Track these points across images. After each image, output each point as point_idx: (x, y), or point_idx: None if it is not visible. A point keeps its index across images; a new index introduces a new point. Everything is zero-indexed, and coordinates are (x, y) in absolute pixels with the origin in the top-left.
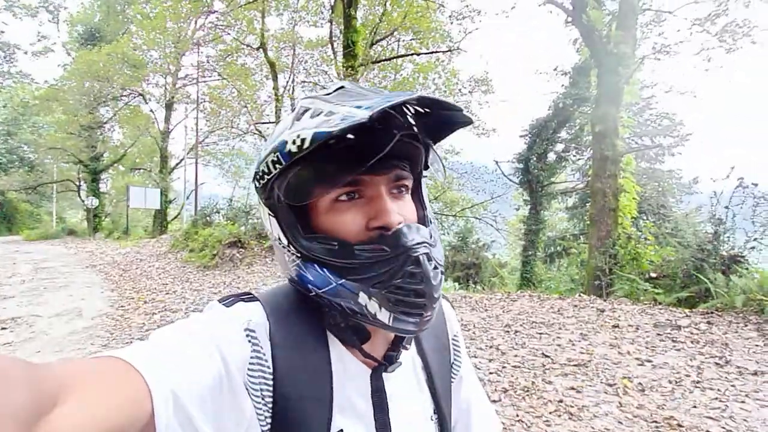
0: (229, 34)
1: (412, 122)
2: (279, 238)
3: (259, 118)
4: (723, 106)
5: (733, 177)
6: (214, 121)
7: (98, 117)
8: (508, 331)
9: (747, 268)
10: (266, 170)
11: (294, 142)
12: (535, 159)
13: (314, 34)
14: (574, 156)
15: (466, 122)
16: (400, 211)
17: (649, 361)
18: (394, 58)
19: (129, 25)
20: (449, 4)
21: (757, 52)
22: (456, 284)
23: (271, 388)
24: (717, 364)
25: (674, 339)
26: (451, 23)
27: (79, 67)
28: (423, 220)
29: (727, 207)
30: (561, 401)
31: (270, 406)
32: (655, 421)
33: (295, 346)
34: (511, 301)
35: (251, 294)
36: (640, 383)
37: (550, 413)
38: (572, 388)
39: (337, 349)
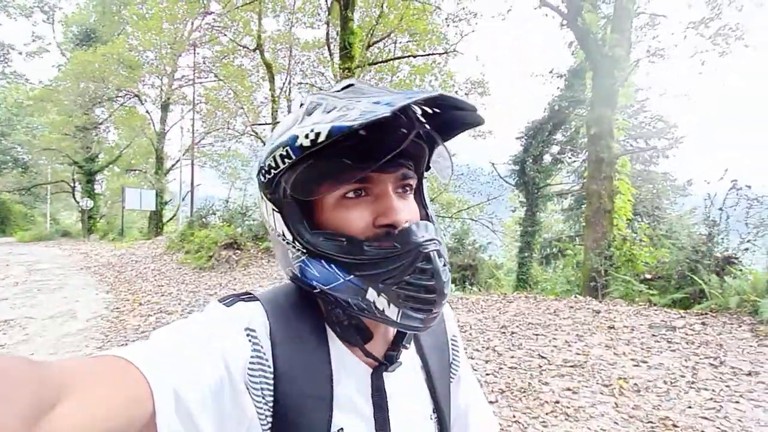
0: (225, 35)
1: (424, 120)
2: (283, 234)
3: (255, 120)
4: (717, 108)
5: (727, 179)
6: (211, 122)
7: (93, 118)
8: (504, 333)
9: (741, 270)
10: (273, 165)
11: (307, 136)
12: (531, 161)
13: (311, 35)
14: (570, 158)
15: (477, 123)
16: (405, 210)
17: (645, 361)
18: (390, 60)
19: (125, 26)
20: (445, 6)
21: (751, 55)
22: (453, 285)
23: (271, 388)
24: (712, 364)
25: (669, 340)
26: (447, 26)
27: (74, 67)
28: (426, 219)
29: (720, 209)
30: (557, 402)
31: (271, 405)
32: (651, 422)
33: (295, 345)
34: (507, 302)
35: (251, 294)
36: (635, 384)
37: (547, 414)
38: (568, 389)
39: (337, 348)
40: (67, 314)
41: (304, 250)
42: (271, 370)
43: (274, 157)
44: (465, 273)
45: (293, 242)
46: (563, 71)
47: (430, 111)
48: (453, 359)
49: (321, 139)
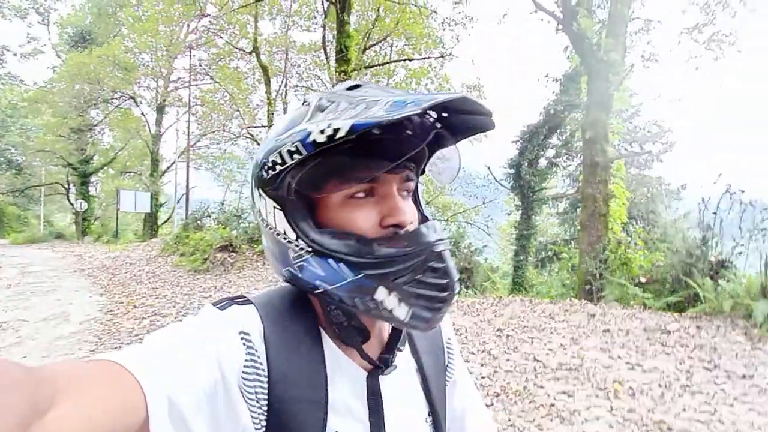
0: (221, 37)
1: (438, 126)
2: (284, 233)
3: (251, 122)
4: (714, 111)
5: (721, 183)
6: (206, 124)
7: (88, 119)
8: (500, 336)
9: (735, 273)
10: (279, 160)
11: (323, 132)
12: (526, 164)
13: (307, 38)
14: (565, 162)
15: (487, 128)
16: (408, 212)
17: (640, 365)
18: (386, 63)
19: (120, 27)
20: (441, 10)
21: (747, 57)
22: None
23: (265, 391)
24: (706, 368)
25: (664, 343)
26: (444, 30)
27: (69, 69)
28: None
29: (715, 213)
30: (553, 405)
31: (265, 409)
32: (646, 425)
33: (290, 348)
34: (502, 305)
35: (245, 297)
36: (630, 387)
37: (542, 417)
38: (564, 392)
39: (332, 351)
40: (60, 317)
41: (309, 249)
42: (266, 373)
43: (279, 153)
44: (461, 276)
45: (296, 241)
46: (558, 75)
47: (435, 115)
48: (448, 362)
49: (340, 134)
